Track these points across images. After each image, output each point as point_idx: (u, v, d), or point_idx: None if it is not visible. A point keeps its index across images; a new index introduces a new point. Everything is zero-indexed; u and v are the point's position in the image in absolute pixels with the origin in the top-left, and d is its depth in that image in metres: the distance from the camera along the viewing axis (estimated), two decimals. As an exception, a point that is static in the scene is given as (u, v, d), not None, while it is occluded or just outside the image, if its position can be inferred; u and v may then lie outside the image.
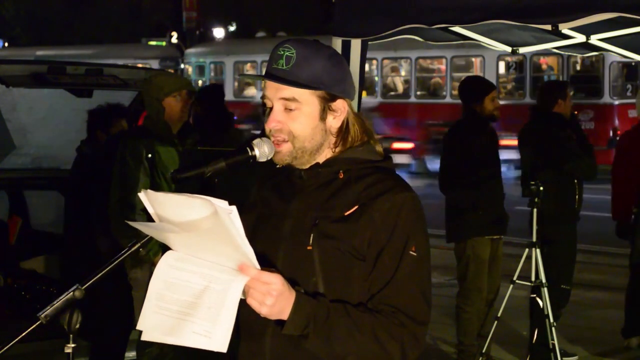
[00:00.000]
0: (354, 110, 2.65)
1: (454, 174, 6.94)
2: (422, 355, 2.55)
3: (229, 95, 26.87)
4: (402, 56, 23.65)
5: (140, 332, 2.43)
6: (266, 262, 2.44)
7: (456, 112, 7.26)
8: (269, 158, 2.57)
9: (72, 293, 2.45)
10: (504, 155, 8.44)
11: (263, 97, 2.61)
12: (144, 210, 2.45)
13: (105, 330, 6.04)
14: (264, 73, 2.62)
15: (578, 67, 21.81)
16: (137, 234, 2.49)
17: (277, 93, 2.56)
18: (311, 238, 2.53)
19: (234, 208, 2.29)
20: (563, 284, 7.30)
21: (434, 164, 18.98)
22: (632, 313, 7.77)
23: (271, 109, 2.58)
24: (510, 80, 22.76)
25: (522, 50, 5.72)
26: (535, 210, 6.82)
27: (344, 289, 2.52)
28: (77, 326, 2.47)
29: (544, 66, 22.33)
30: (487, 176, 6.98)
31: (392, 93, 24.20)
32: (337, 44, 4.76)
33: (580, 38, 5.45)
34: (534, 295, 6.84)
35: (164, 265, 2.44)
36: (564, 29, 4.88)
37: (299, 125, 2.56)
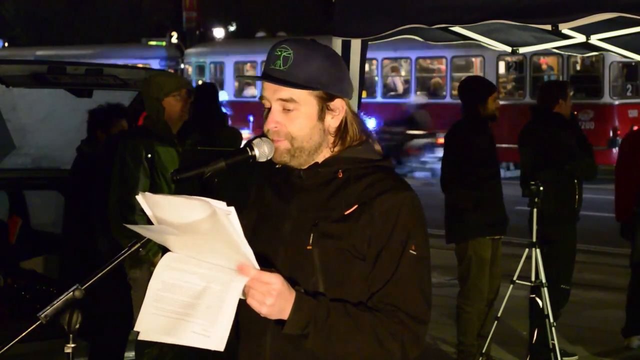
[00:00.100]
0: (352, 109, 2.65)
1: (456, 174, 6.93)
2: (422, 355, 2.55)
3: (228, 95, 26.96)
4: (402, 56, 23.65)
5: (139, 332, 2.43)
6: (266, 263, 2.44)
7: (457, 112, 7.24)
8: (268, 158, 2.57)
9: (72, 293, 2.45)
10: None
11: (261, 97, 2.61)
12: (144, 210, 2.45)
13: (105, 330, 6.04)
14: (261, 74, 2.62)
15: (578, 67, 21.80)
16: (137, 234, 2.49)
17: (275, 94, 2.56)
18: (311, 238, 2.53)
19: (232, 209, 2.29)
20: (563, 283, 7.31)
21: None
22: (633, 312, 7.77)
23: (269, 109, 2.58)
24: (510, 80, 22.76)
25: (522, 50, 5.72)
26: (535, 210, 6.82)
27: (344, 288, 2.52)
28: (77, 326, 2.47)
29: (544, 66, 22.32)
30: (488, 176, 6.99)
31: (392, 93, 24.18)
32: (337, 44, 4.76)
33: (580, 38, 5.45)
34: (534, 295, 6.84)
35: (163, 267, 2.44)
36: (564, 29, 4.88)
37: (298, 125, 2.56)
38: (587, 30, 5.24)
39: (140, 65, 21.01)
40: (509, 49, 5.71)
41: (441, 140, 21.03)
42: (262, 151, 2.55)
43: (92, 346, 6.08)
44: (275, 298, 2.35)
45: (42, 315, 2.42)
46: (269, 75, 2.55)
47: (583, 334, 8.20)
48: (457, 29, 5.16)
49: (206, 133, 6.37)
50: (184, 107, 5.88)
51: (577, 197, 7.37)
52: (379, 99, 23.83)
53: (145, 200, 2.41)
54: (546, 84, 8.92)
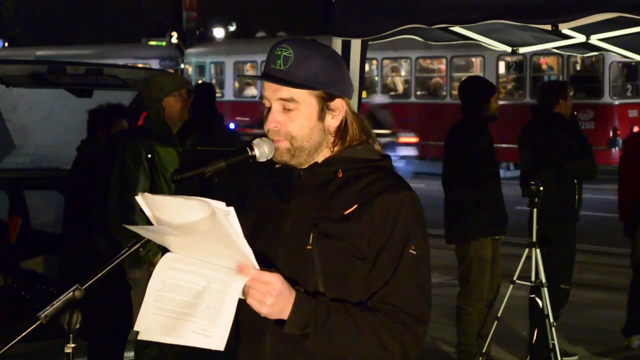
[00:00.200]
0: (352, 109, 2.65)
1: (457, 174, 6.93)
2: (422, 355, 2.55)
3: (229, 95, 26.97)
4: (402, 56, 23.64)
5: (138, 332, 2.43)
6: (266, 262, 2.44)
7: (457, 112, 7.23)
8: (268, 158, 2.57)
9: (72, 293, 2.45)
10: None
11: (261, 97, 2.61)
12: (143, 211, 2.45)
13: (105, 330, 6.04)
14: (262, 73, 2.62)
15: (578, 67, 21.79)
16: (137, 234, 2.49)
17: (275, 93, 2.56)
18: (311, 238, 2.53)
19: (232, 209, 2.29)
20: (562, 283, 7.31)
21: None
22: (634, 312, 7.77)
23: (269, 109, 2.58)
24: (510, 80, 22.75)
25: (522, 50, 5.72)
26: (535, 210, 6.83)
27: (344, 288, 2.52)
28: (77, 326, 2.47)
29: (544, 66, 22.32)
30: (489, 176, 6.99)
31: (392, 93, 24.18)
32: (337, 44, 4.76)
33: (580, 38, 5.45)
34: (534, 295, 6.84)
35: (163, 267, 2.44)
36: (564, 29, 4.88)
37: (298, 125, 2.56)
38: (587, 30, 5.23)
39: (140, 65, 21.02)
40: (509, 49, 5.70)
41: (402, 140, 21.17)
42: (262, 151, 2.55)
43: (92, 346, 6.08)
44: (275, 298, 2.35)
45: (42, 315, 2.42)
46: (269, 75, 2.55)
47: (583, 334, 8.20)
48: (457, 29, 5.16)
49: (206, 132, 6.37)
50: (184, 107, 5.88)
51: (577, 197, 7.37)
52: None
53: (145, 201, 2.41)
54: (546, 84, 8.92)
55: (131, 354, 5.92)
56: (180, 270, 2.41)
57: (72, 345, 2.48)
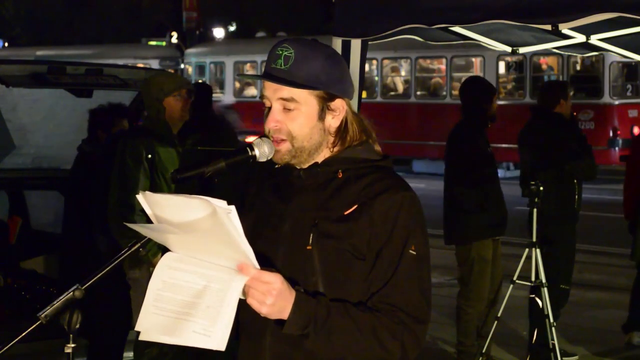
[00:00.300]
0: (353, 109, 2.65)
1: (459, 174, 6.93)
2: (422, 355, 2.55)
3: (229, 95, 26.96)
4: (402, 56, 23.64)
5: (138, 332, 2.43)
6: (266, 262, 2.44)
7: (457, 112, 7.23)
8: (268, 158, 2.57)
9: (72, 293, 2.45)
10: None
11: (262, 97, 2.61)
12: (143, 211, 2.45)
13: (104, 330, 6.04)
14: (262, 73, 2.62)
15: (578, 67, 21.79)
16: (137, 234, 2.49)
17: (275, 93, 2.56)
18: (311, 238, 2.53)
19: (232, 208, 2.29)
20: (562, 283, 7.31)
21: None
22: (636, 309, 7.77)
23: (270, 108, 2.58)
24: (510, 80, 22.75)
25: (522, 50, 5.72)
26: (535, 210, 6.82)
27: (343, 288, 2.52)
28: (77, 326, 2.47)
29: (544, 66, 22.31)
30: (491, 176, 7.00)
31: (392, 93, 24.19)
32: (337, 44, 4.76)
33: (580, 38, 5.45)
34: (534, 295, 6.84)
35: (163, 266, 2.44)
36: (564, 29, 4.88)
37: (298, 125, 2.56)
38: (587, 30, 5.24)
39: (140, 65, 21.03)
40: (509, 49, 5.70)
41: (250, 140, 21.43)
42: (262, 151, 2.55)
43: (92, 346, 6.08)
44: (275, 298, 2.35)
45: (42, 315, 2.42)
46: (270, 75, 2.55)
47: (583, 334, 8.20)
48: (457, 29, 5.16)
49: (205, 132, 6.37)
50: (185, 107, 5.88)
51: (577, 197, 7.37)
52: (378, 99, 23.83)
53: (145, 199, 2.41)
54: (547, 84, 8.93)
55: (131, 354, 5.92)
56: (180, 270, 2.41)
57: (72, 345, 2.48)
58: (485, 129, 7.00)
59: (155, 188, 5.65)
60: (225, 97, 26.66)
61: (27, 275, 6.97)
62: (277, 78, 2.54)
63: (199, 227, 2.32)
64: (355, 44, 4.80)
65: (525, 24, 4.79)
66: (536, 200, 6.79)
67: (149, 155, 5.75)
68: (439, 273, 10.07)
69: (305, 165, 2.61)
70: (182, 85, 5.90)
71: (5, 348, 2.41)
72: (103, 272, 2.48)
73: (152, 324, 2.41)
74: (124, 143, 5.84)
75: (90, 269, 2.59)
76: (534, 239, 6.79)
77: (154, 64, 29.65)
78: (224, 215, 2.27)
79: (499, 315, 6.84)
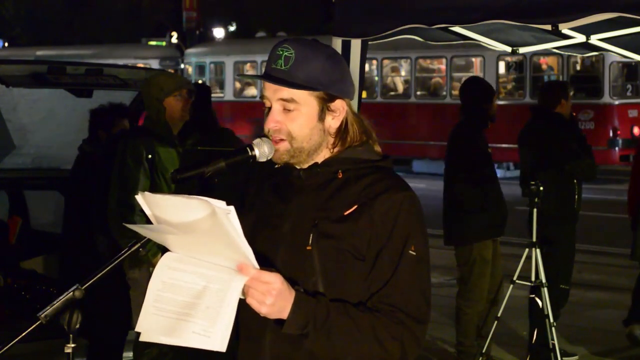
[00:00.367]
0: (353, 110, 2.65)
1: (460, 174, 6.93)
2: (422, 355, 2.55)
3: (229, 95, 26.95)
4: (402, 56, 23.64)
5: (138, 333, 2.43)
6: (266, 262, 2.44)
7: (457, 112, 7.23)
8: (268, 158, 2.57)
9: (72, 293, 2.44)
10: None
11: (262, 97, 2.61)
12: (143, 211, 2.45)
13: (104, 330, 6.04)
14: (263, 73, 2.62)
15: (578, 67, 21.78)
16: (137, 234, 2.49)
17: (275, 94, 2.56)
18: (310, 238, 2.53)
19: (232, 208, 2.29)
20: (562, 283, 7.31)
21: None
22: (638, 302, 7.78)
23: (270, 109, 2.58)
24: (510, 80, 22.75)
25: (522, 50, 5.72)
26: (535, 210, 6.83)
27: (343, 288, 2.52)
28: (77, 326, 2.46)
29: (544, 66, 22.31)
30: (491, 176, 7.01)
31: (392, 93, 24.18)
32: (337, 44, 4.76)
33: (580, 38, 5.45)
34: (534, 295, 6.84)
35: (163, 267, 2.44)
36: (564, 29, 4.88)
37: (298, 125, 2.56)
38: (587, 30, 5.24)
39: (140, 65, 21.01)
40: (509, 49, 5.71)
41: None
42: (262, 151, 2.55)
43: (92, 346, 6.08)
44: (274, 298, 2.35)
45: (42, 315, 2.42)
46: (270, 75, 2.55)
47: (583, 334, 8.20)
48: (457, 29, 5.16)
49: (205, 133, 6.37)
50: (185, 107, 5.88)
51: (576, 197, 7.37)
52: (378, 99, 23.83)
53: (145, 200, 2.41)
54: (547, 84, 8.93)
55: (131, 354, 5.92)
56: (180, 270, 2.41)
57: (72, 345, 2.48)
58: (485, 129, 7.01)
59: (155, 188, 5.65)
60: (225, 97, 26.67)
61: (27, 275, 6.97)
62: (277, 79, 2.54)
63: (198, 228, 2.32)
64: (355, 44, 4.80)
65: (525, 24, 4.79)
66: (536, 200, 6.79)
67: (149, 156, 5.75)
68: (438, 273, 10.07)
69: (305, 165, 2.61)
70: (182, 86, 5.89)
71: (5, 348, 2.41)
72: (103, 272, 2.48)
73: (153, 324, 2.41)
74: (125, 143, 5.84)
75: (90, 269, 2.59)
76: (534, 239, 6.79)
77: (154, 64, 29.63)
78: (223, 216, 2.27)
79: (499, 315, 6.84)
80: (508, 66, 22.61)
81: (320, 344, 2.44)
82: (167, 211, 2.38)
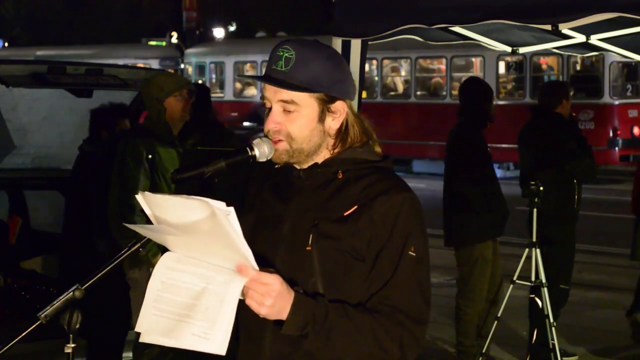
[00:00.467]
0: (354, 110, 2.65)
1: (461, 174, 6.93)
2: (422, 355, 2.55)
3: (229, 96, 26.96)
4: (402, 56, 23.64)
5: (138, 333, 2.43)
6: (265, 263, 2.44)
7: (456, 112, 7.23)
8: (268, 158, 2.57)
9: (72, 293, 2.44)
10: None
11: (262, 97, 2.61)
12: (143, 211, 2.45)
13: (104, 330, 6.04)
14: (263, 73, 2.62)
15: (578, 67, 21.78)
16: (137, 234, 2.49)
17: (275, 95, 2.56)
18: (310, 238, 2.53)
19: (231, 209, 2.29)
20: (562, 283, 7.31)
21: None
22: None
23: (270, 109, 2.58)
24: (510, 80, 22.75)
25: (522, 50, 5.72)
26: (535, 210, 6.82)
27: (343, 289, 2.52)
28: (77, 326, 2.46)
29: (544, 66, 22.31)
30: (491, 176, 7.00)
31: (392, 93, 24.18)
32: (337, 44, 4.76)
33: (580, 38, 5.45)
34: (534, 296, 6.84)
35: (163, 267, 2.44)
36: (564, 29, 4.88)
37: (298, 126, 2.55)
38: (587, 30, 5.24)
39: (140, 65, 21.00)
40: (509, 49, 5.71)
41: None
42: (262, 151, 2.55)
43: (92, 346, 6.08)
44: (274, 299, 2.35)
45: (42, 315, 2.42)
46: (270, 77, 2.55)
47: (583, 334, 8.20)
48: (457, 29, 5.16)
49: (206, 133, 6.37)
50: (185, 107, 5.87)
51: (576, 197, 7.37)
52: (378, 99, 23.83)
53: (145, 200, 2.41)
54: (548, 84, 8.94)
55: (131, 354, 5.92)
56: (179, 271, 2.40)
57: (72, 345, 2.48)
58: (484, 129, 7.01)
59: (155, 188, 5.65)
60: (225, 97, 26.68)
61: (27, 275, 6.97)
62: (277, 80, 2.53)
63: (198, 228, 2.32)
64: (355, 44, 4.81)
65: (525, 24, 4.79)
66: (536, 200, 6.78)
67: (150, 156, 5.75)
68: (438, 273, 10.06)
69: (305, 166, 2.61)
70: (182, 86, 5.89)
71: (5, 348, 2.41)
72: (103, 272, 2.48)
73: (152, 325, 2.40)
74: (125, 143, 5.84)
75: (90, 269, 2.59)
76: (534, 239, 6.79)
77: (154, 64, 29.65)
78: (223, 217, 2.27)
79: (499, 315, 6.84)
80: (508, 66, 22.61)
81: (320, 345, 2.43)
82: (167, 211, 2.37)
